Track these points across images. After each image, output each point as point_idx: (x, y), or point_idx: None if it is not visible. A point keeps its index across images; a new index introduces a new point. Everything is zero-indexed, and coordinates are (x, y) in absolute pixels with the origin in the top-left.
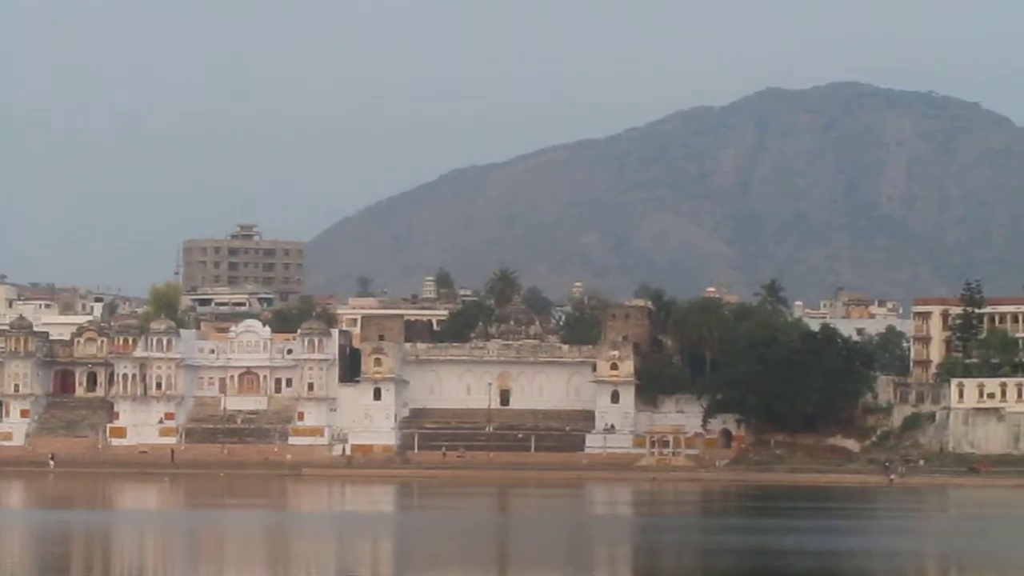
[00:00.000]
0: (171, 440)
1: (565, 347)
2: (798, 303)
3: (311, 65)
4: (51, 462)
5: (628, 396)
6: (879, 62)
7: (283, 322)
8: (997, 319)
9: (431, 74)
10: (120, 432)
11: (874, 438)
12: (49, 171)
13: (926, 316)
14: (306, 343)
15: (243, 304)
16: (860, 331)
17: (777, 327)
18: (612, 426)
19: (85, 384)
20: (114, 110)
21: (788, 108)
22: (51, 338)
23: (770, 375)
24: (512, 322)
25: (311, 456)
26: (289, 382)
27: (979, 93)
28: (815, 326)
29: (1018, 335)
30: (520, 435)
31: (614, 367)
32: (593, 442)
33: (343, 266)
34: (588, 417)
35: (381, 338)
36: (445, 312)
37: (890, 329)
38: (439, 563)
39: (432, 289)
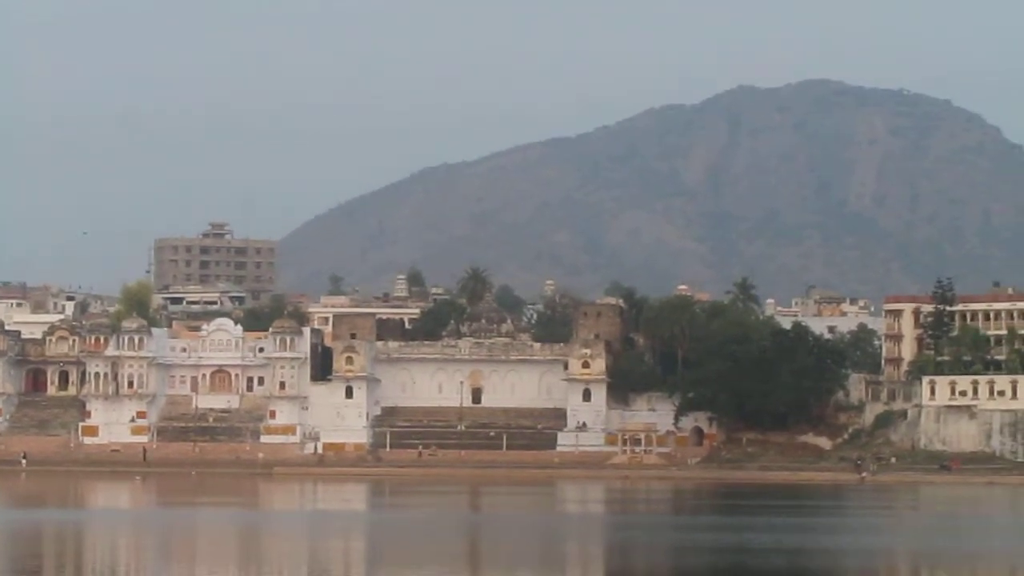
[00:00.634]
0: (143, 439)
1: (537, 345)
2: (770, 301)
3: (282, 65)
4: (23, 461)
5: (600, 394)
6: (850, 60)
7: (255, 321)
8: (968, 317)
9: (402, 72)
10: (92, 431)
11: (846, 436)
12: (20, 170)
13: (898, 314)
14: (278, 342)
15: (215, 303)
16: (832, 329)
17: (749, 325)
18: (584, 424)
19: (57, 383)
20: (88, 109)
21: (760, 106)
22: (23, 337)
23: (742, 373)
24: (484, 320)
25: (283, 454)
26: (261, 380)
27: (950, 91)
28: (787, 324)
29: (990, 332)
30: (492, 433)
31: (586, 365)
32: (565, 440)
33: (315, 264)
34: (560, 415)
35: (353, 336)
36: (417, 310)
37: (862, 327)
38: (411, 562)
39: (404, 288)
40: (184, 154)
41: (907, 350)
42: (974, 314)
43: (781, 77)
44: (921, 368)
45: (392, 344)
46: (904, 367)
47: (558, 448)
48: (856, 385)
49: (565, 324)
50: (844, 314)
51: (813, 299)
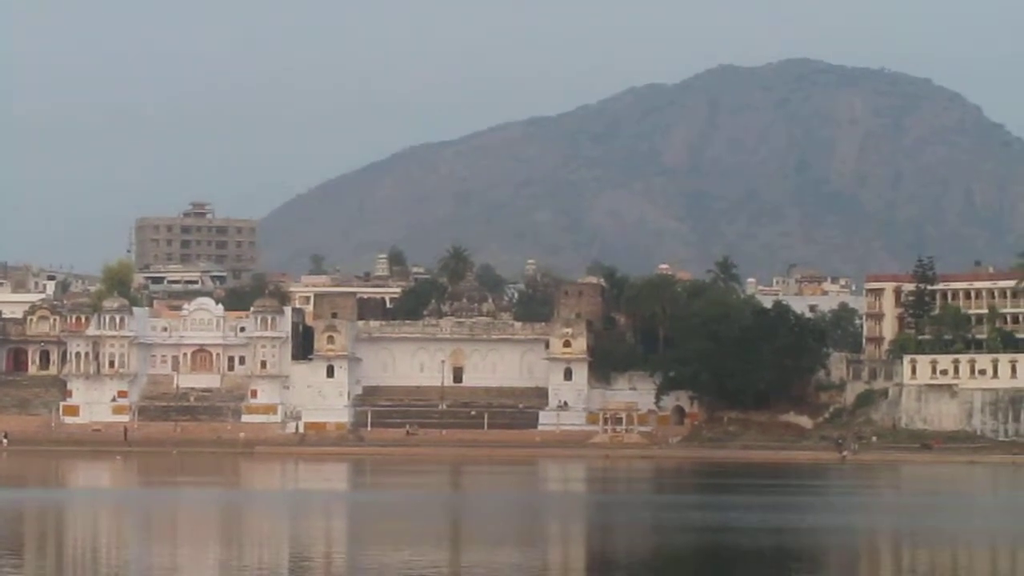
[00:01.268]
0: (124, 418)
1: (518, 324)
2: (751, 280)
3: (263, 44)
4: (4, 441)
5: (581, 373)
6: (831, 39)
7: (236, 300)
8: (950, 295)
9: (383, 52)
10: (73, 410)
11: (827, 415)
12: (1, 151)
13: (878, 293)
14: (259, 321)
15: (196, 282)
16: (813, 308)
17: (730, 304)
18: (565, 403)
19: (38, 362)
20: (70, 91)
21: (740, 85)
22: (4, 316)
23: (723, 352)
24: (465, 300)
25: (264, 434)
26: (242, 360)
27: (931, 69)
28: (768, 303)
29: (970, 311)
30: (473, 412)
31: (567, 344)
32: (546, 419)
33: (296, 244)
34: (541, 394)
35: (334, 316)
36: (398, 290)
37: (843, 306)
38: (392, 541)
39: (385, 267)
40: (165, 134)
41: (888, 329)
42: (955, 293)
43: (762, 56)
44: (902, 347)
45: (373, 323)
46: (885, 346)
47: (539, 427)
48: (837, 364)
49: (546, 303)
50: (825, 293)
51: (794, 278)
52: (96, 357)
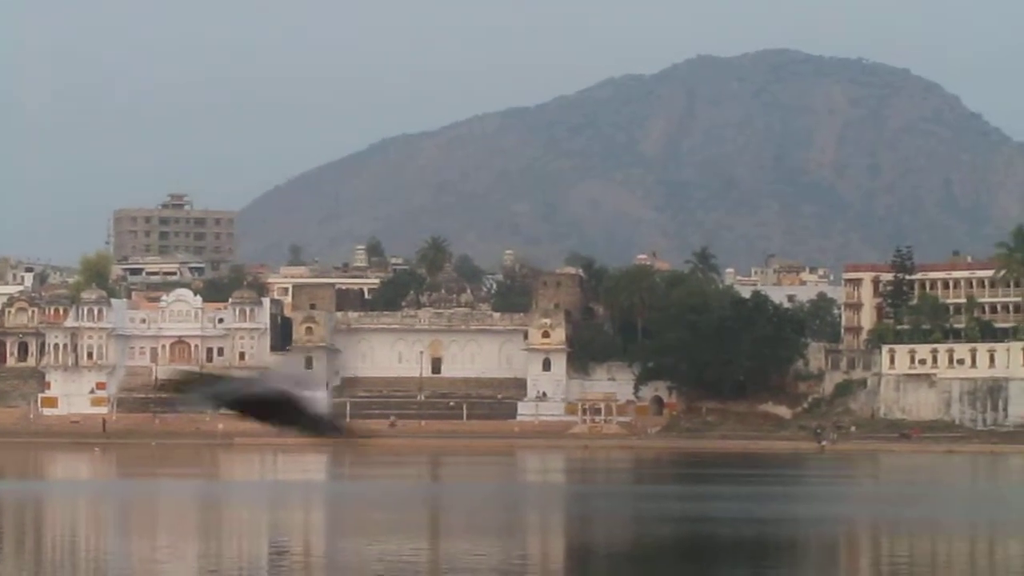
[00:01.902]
0: (103, 410)
1: (496, 315)
2: (729, 270)
3: (240, 35)
4: None
5: (560, 364)
6: (809, 29)
7: (214, 291)
8: (928, 285)
9: (360, 43)
10: (52, 402)
11: (805, 405)
12: None
13: (857, 283)
14: (237, 312)
15: (174, 274)
16: (791, 298)
17: (708, 294)
18: (544, 394)
19: (16, 354)
20: (46, 82)
21: (718, 76)
22: None
23: (701, 342)
24: (443, 290)
25: (243, 425)
26: (221, 351)
27: (909, 59)
28: (746, 293)
29: (949, 301)
30: (452, 403)
31: (545, 335)
32: (525, 410)
33: (274, 235)
34: (520, 385)
35: (312, 307)
36: (376, 281)
37: (821, 296)
38: (371, 532)
39: (363, 258)
40: (143, 125)
41: (866, 319)
42: (933, 283)
43: (739, 47)
44: (880, 337)
45: (352, 314)
46: (863, 336)
47: (518, 418)
48: (816, 354)
49: (525, 294)
50: (803, 283)
51: (772, 268)
52: (74, 349)
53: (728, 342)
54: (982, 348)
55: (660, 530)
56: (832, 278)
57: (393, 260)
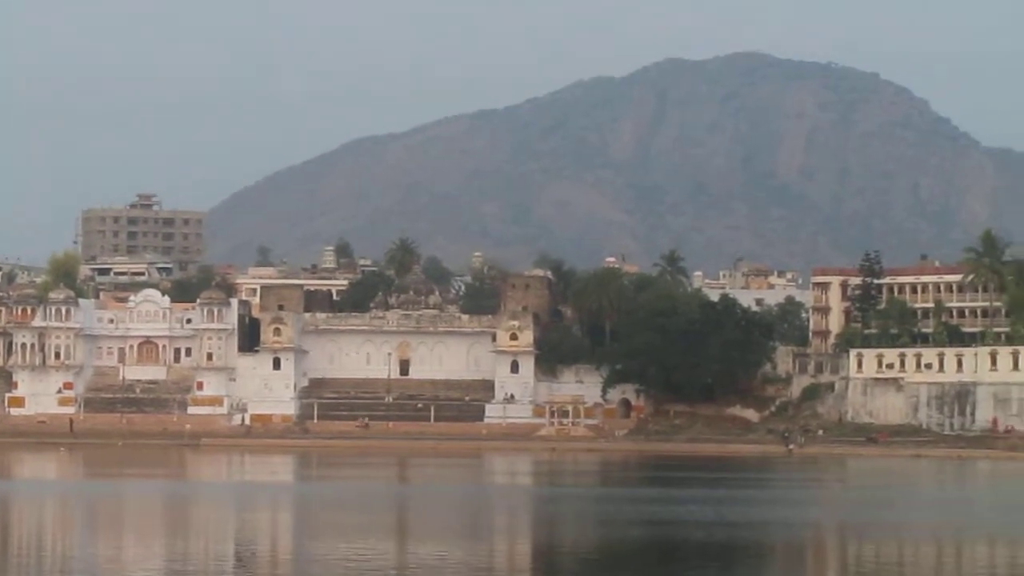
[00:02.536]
0: (70, 410)
1: (465, 317)
2: (697, 273)
3: (209, 34)
4: None
5: (528, 366)
6: (779, 33)
7: (182, 292)
8: (896, 289)
9: (330, 43)
10: (19, 402)
11: (773, 408)
12: None
13: (825, 286)
14: (205, 313)
15: (142, 274)
16: (759, 301)
17: (676, 297)
18: (512, 396)
19: None
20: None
21: (688, 79)
22: None
23: (669, 345)
24: (412, 292)
25: (210, 426)
26: (188, 352)
27: (878, 64)
28: (714, 296)
29: (917, 305)
30: (420, 405)
31: (514, 337)
32: (493, 412)
33: (242, 236)
34: (488, 387)
35: (280, 308)
36: (345, 282)
37: (789, 299)
38: (338, 533)
39: (332, 259)
40: (112, 124)
41: (834, 323)
42: (901, 287)
43: (709, 50)
44: (848, 341)
45: (320, 315)
46: (831, 340)
47: (486, 420)
48: (784, 357)
49: (493, 296)
50: (772, 287)
51: (741, 271)
52: (42, 348)
53: (696, 345)
54: (950, 353)
55: (627, 533)
56: (800, 282)
57: (362, 261)
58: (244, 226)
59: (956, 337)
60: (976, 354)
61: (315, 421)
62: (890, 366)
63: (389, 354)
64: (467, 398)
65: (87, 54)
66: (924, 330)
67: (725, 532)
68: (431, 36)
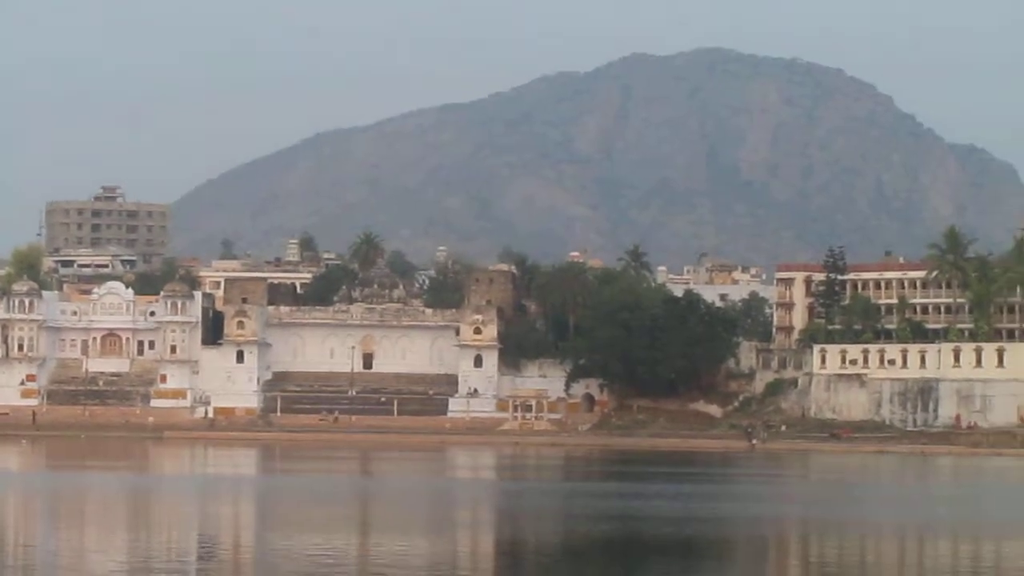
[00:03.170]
0: (33, 402)
1: (428, 311)
2: (661, 268)
3: (172, 25)
4: None
5: (491, 360)
6: (743, 29)
7: (146, 284)
8: (860, 285)
9: (294, 36)
10: None
11: (736, 403)
12: None
13: (789, 282)
14: (169, 305)
15: (106, 266)
16: (723, 297)
17: (640, 292)
18: (475, 390)
19: None
20: None
21: (653, 74)
22: None
23: (633, 340)
24: (376, 286)
25: (173, 419)
26: (152, 344)
27: (843, 60)
28: (678, 292)
29: (880, 301)
30: (383, 399)
31: (477, 331)
32: (456, 406)
33: (206, 229)
34: (451, 381)
35: (244, 301)
36: (309, 275)
37: (753, 295)
38: (301, 527)
39: (296, 252)
40: (75, 116)
41: (798, 318)
42: (865, 283)
43: (674, 45)
44: (812, 336)
45: (284, 309)
46: (795, 335)
47: (449, 414)
48: (747, 353)
49: (457, 290)
50: (736, 282)
51: (705, 267)
52: (5, 340)
53: (660, 340)
54: (913, 349)
55: (590, 527)
56: (764, 277)
57: (326, 255)
58: (208, 219)
59: (919, 333)
60: (939, 350)
61: (278, 414)
62: (853, 362)
63: (353, 348)
64: (430, 392)
65: (49, 46)
66: (888, 326)
67: (687, 527)
68: (396, 30)
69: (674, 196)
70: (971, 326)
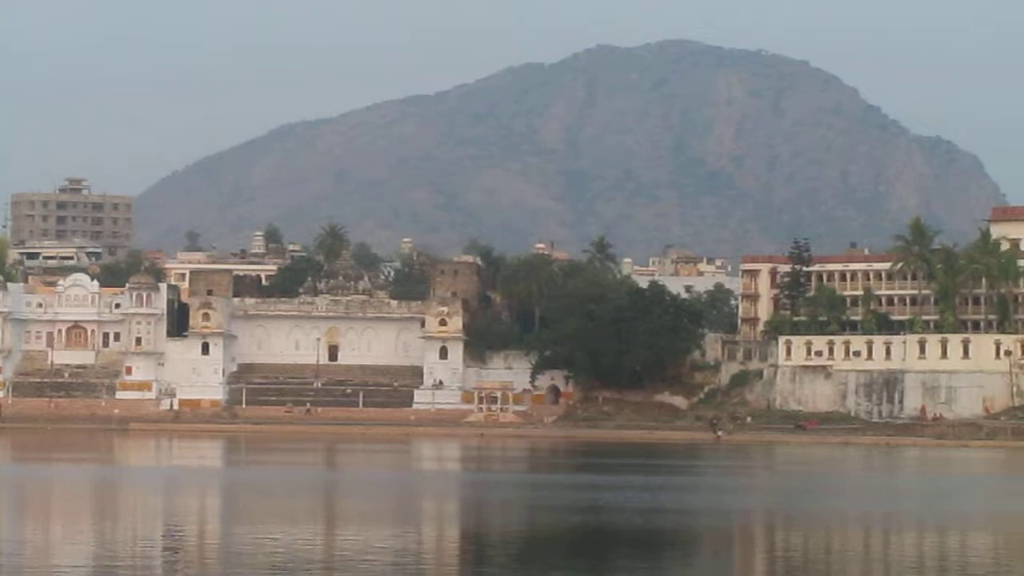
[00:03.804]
0: None
1: (394, 303)
2: (627, 260)
3: (138, 17)
4: None
5: (456, 352)
6: (709, 20)
7: (111, 276)
8: (825, 277)
9: (259, 28)
10: None
11: (702, 395)
12: None
13: (754, 274)
14: (134, 297)
15: (71, 258)
16: (688, 288)
17: (606, 284)
18: (440, 382)
19: None
20: None
21: (618, 66)
22: None
23: (598, 332)
24: (341, 278)
25: (138, 411)
26: (117, 336)
27: (808, 51)
28: (644, 283)
29: (846, 293)
30: (348, 390)
31: (443, 323)
32: (421, 398)
33: (172, 221)
34: (416, 373)
35: (209, 293)
36: (274, 267)
37: (718, 286)
38: (267, 518)
39: (261, 244)
40: (40, 108)
41: (763, 310)
42: (830, 274)
43: (640, 37)
44: (777, 328)
45: (249, 301)
46: (760, 327)
47: (414, 406)
48: (712, 344)
49: (422, 282)
50: (701, 274)
51: (670, 258)
52: None
53: (625, 332)
54: (878, 340)
55: (555, 519)
56: (730, 269)
57: (291, 247)
58: (173, 211)
59: (885, 325)
60: (905, 342)
61: (243, 406)
62: (819, 353)
63: (318, 339)
64: (396, 384)
65: (12, 36)
66: (853, 318)
67: (653, 519)
68: (360, 21)
69: (639, 188)
70: (936, 318)
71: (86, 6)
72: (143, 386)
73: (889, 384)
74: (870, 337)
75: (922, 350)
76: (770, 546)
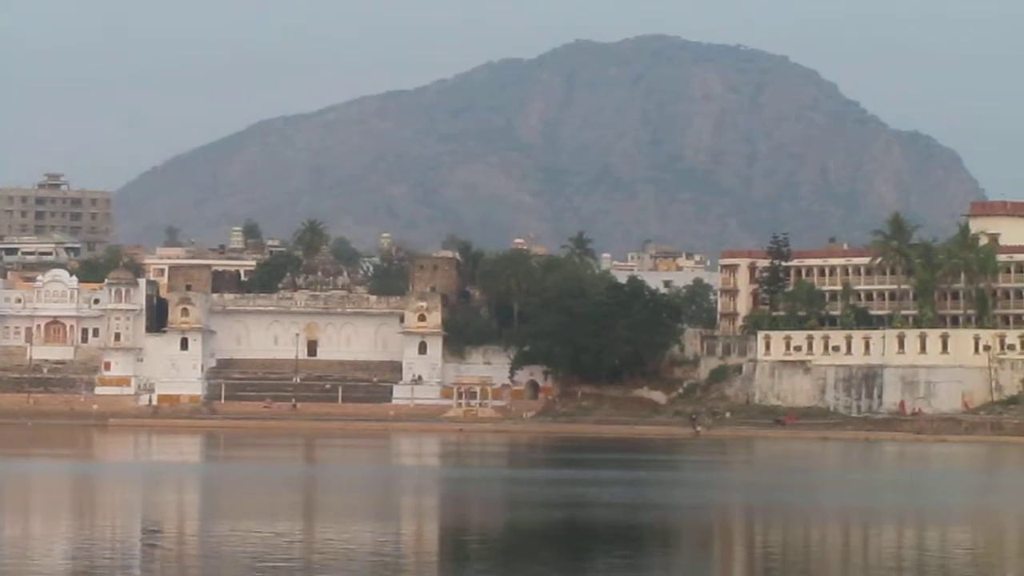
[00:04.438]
0: None
1: (373, 298)
2: (606, 255)
3: (116, 12)
4: None
5: (435, 347)
6: (687, 15)
7: (90, 272)
8: (804, 272)
9: (237, 24)
10: None
11: (681, 390)
12: None
13: (733, 269)
14: (113, 293)
15: (50, 254)
16: (667, 283)
17: (584, 279)
18: (419, 377)
19: None
20: None
21: (596, 61)
22: None
23: (577, 327)
24: (320, 273)
25: (117, 406)
26: (96, 332)
27: (787, 47)
28: (622, 278)
29: (824, 288)
30: (327, 386)
31: (421, 318)
32: (400, 393)
33: (151, 216)
34: (395, 368)
35: (188, 288)
36: (253, 263)
37: (697, 281)
38: (246, 514)
39: (240, 240)
40: (19, 103)
41: (742, 305)
42: (809, 269)
43: (618, 32)
44: (756, 323)
45: (228, 296)
46: (739, 322)
47: (393, 401)
48: (691, 339)
49: (401, 277)
50: (680, 269)
51: (649, 253)
52: None
53: (604, 327)
54: (857, 335)
55: (534, 514)
56: (708, 264)
57: (270, 242)
58: (152, 206)
59: (864, 320)
60: (883, 337)
61: (222, 402)
62: (798, 348)
63: (297, 335)
64: (375, 379)
65: None
66: (832, 313)
67: (632, 514)
68: (339, 16)
69: (618, 183)
70: (915, 312)
71: (64, 2)
72: (122, 382)
73: (868, 379)
74: (849, 332)
75: (901, 345)
76: (750, 541)
